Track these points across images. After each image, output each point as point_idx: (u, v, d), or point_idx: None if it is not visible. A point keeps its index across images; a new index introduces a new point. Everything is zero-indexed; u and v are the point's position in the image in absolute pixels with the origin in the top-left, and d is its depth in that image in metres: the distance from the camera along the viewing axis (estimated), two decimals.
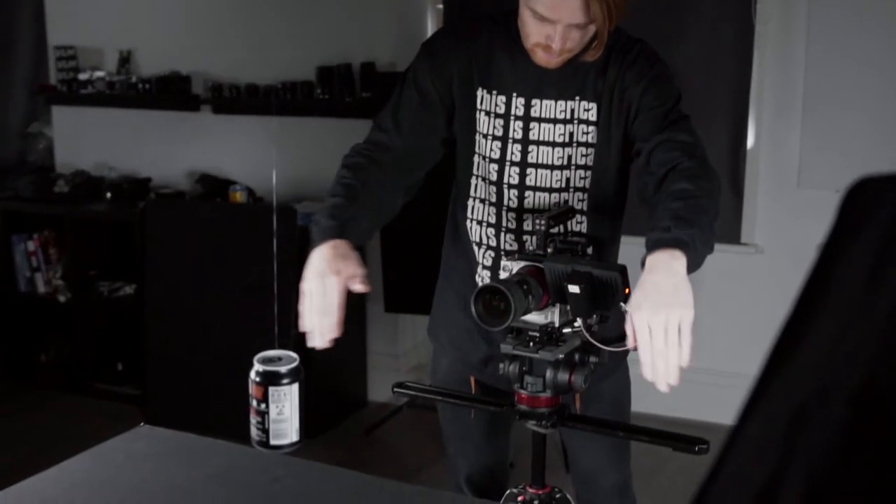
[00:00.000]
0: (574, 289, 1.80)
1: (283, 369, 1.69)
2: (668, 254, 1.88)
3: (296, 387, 1.70)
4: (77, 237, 4.84)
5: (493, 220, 2.29)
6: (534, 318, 1.90)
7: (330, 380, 4.35)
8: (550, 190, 2.23)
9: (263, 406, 1.68)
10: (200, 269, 4.20)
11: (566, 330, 1.93)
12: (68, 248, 4.90)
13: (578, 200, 2.24)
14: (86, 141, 5.21)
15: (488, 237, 2.31)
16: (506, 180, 2.25)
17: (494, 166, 2.25)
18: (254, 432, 1.69)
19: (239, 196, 4.49)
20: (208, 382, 4.17)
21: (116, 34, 5.07)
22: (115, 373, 4.89)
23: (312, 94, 4.51)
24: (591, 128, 2.20)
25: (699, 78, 4.07)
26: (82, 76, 5.09)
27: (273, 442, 1.68)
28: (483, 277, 2.33)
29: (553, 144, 2.21)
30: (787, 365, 0.73)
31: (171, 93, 4.86)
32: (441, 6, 4.43)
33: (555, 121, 2.20)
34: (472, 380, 2.51)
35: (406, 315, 4.50)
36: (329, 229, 2.10)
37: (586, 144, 2.21)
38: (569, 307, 1.87)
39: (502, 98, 2.23)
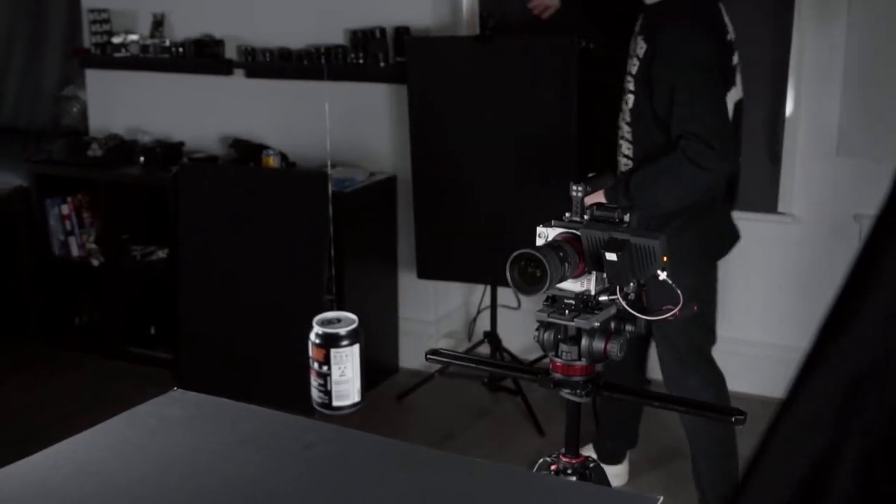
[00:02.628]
0: (611, 256, 1.77)
1: (343, 331, 1.69)
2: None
3: (356, 348, 1.71)
4: (110, 201, 4.85)
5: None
6: (569, 285, 1.88)
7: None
8: (621, 109, 3.08)
9: (325, 368, 1.68)
10: (233, 233, 4.20)
11: (602, 298, 1.90)
12: (101, 212, 4.91)
13: (625, 119, 3.05)
14: (119, 105, 5.21)
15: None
16: (624, 99, 3.09)
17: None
18: (315, 394, 1.70)
19: (272, 161, 4.48)
20: (240, 346, 4.18)
21: None
22: (148, 337, 4.92)
23: (346, 58, 4.48)
24: (637, 62, 2.96)
25: (738, 45, 4.00)
26: (116, 40, 5.08)
27: (336, 403, 1.69)
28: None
29: (626, 74, 3.05)
30: (839, 338, 0.69)
31: (204, 57, 4.84)
32: None
33: (630, 55, 3.02)
34: None
35: (439, 282, 4.48)
36: None
37: (631, 75, 2.99)
38: (605, 275, 1.84)
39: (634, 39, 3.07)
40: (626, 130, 3.08)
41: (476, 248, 4.09)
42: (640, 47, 2.93)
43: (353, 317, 1.71)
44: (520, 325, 4.41)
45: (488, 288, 4.37)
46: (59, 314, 5.13)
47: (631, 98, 3.01)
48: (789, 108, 4.00)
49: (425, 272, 4.27)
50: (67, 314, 5.15)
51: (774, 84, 3.99)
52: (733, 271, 4.21)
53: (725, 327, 4.16)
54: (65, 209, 5.05)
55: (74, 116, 5.55)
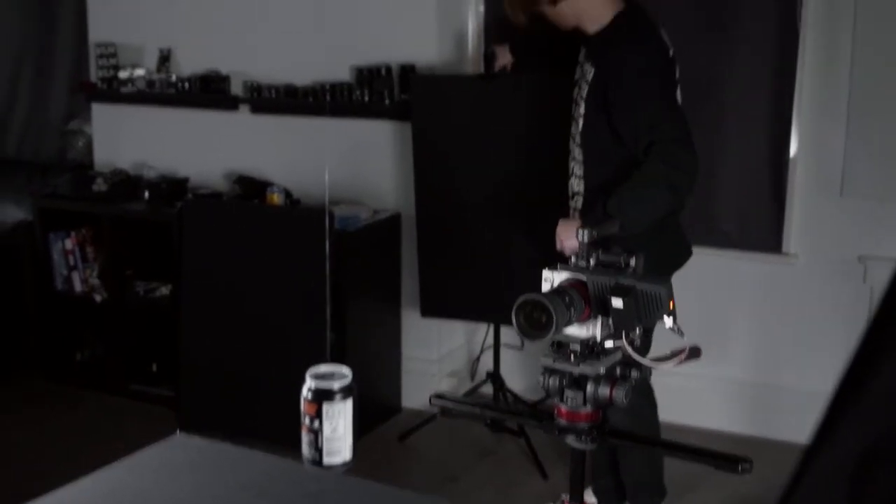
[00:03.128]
0: (617, 302, 1.77)
1: (337, 385, 1.65)
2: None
3: (349, 402, 1.66)
4: (114, 236, 4.85)
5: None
6: (575, 331, 1.87)
7: (364, 385, 4.32)
8: (571, 133, 3.21)
9: (317, 423, 1.64)
10: (237, 270, 4.19)
11: (607, 343, 1.90)
12: (105, 247, 4.91)
13: (576, 142, 3.19)
14: (125, 139, 5.22)
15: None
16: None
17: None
18: (306, 450, 1.66)
19: (276, 198, 4.48)
20: (242, 385, 4.16)
21: (157, 33, 5.07)
22: (150, 374, 4.90)
23: (351, 95, 4.49)
24: (586, 86, 3.10)
25: (743, 83, 4.02)
26: (122, 74, 5.10)
27: (326, 460, 1.65)
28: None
29: (575, 99, 3.20)
30: (856, 400, 0.68)
31: (210, 92, 4.86)
32: (482, 8, 4.40)
33: (579, 81, 3.18)
34: None
35: (442, 320, 4.47)
36: None
37: (581, 98, 3.13)
38: (611, 321, 1.83)
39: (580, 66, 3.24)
40: (577, 153, 3.20)
41: (480, 286, 4.08)
42: (588, 72, 3.08)
43: (347, 371, 1.69)
44: (523, 365, 4.40)
45: (491, 326, 4.36)
46: (61, 350, 5.12)
47: (581, 121, 3.14)
48: (793, 147, 4.00)
49: (429, 310, 4.26)
50: (69, 350, 5.14)
51: (778, 123, 3.99)
52: (737, 311, 4.21)
53: (724, 366, 4.16)
54: (68, 244, 5.05)
55: (80, 150, 5.56)
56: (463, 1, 4.43)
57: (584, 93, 3.11)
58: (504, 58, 3.81)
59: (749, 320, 4.21)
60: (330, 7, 4.58)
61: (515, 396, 4.39)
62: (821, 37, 3.91)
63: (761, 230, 4.08)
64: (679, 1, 4.03)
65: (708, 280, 4.15)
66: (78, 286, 5.06)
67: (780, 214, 4.05)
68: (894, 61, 3.84)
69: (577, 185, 3.24)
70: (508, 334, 4.27)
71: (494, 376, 4.31)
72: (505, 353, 4.34)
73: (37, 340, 5.10)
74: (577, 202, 3.23)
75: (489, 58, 3.86)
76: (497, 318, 4.17)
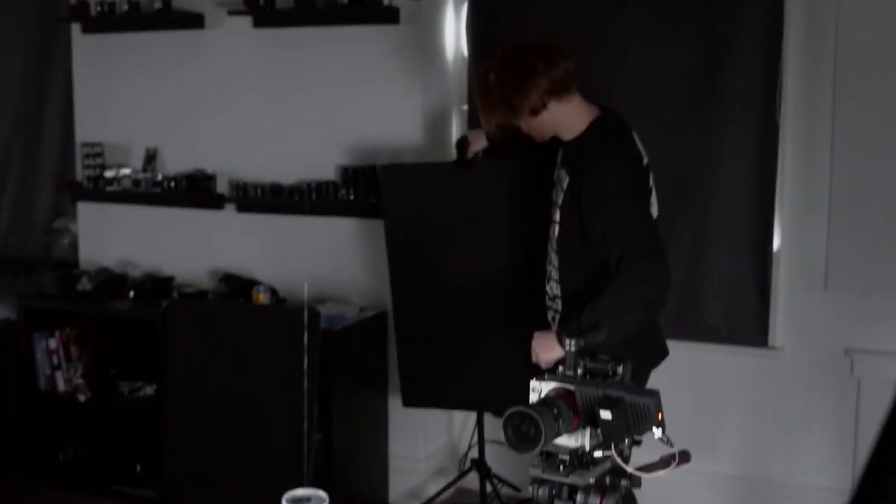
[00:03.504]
0: (606, 414, 1.76)
1: None
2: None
3: None
4: (99, 335, 4.82)
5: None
6: (564, 441, 1.86)
7: (351, 484, 4.28)
8: (549, 238, 3.19)
9: None
10: (223, 370, 4.17)
11: (597, 454, 1.89)
12: (90, 347, 4.88)
13: (552, 250, 3.17)
14: (110, 237, 5.23)
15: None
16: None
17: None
18: None
19: (262, 297, 4.48)
20: (227, 485, 4.11)
21: (143, 132, 5.11)
22: (134, 474, 4.83)
23: (337, 193, 4.52)
24: (561, 193, 3.08)
25: (725, 179, 4.05)
26: (108, 173, 5.12)
27: None
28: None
29: (552, 203, 3.17)
30: None
31: (196, 191, 4.88)
32: (466, 107, 4.45)
33: (554, 184, 3.16)
34: None
35: (428, 414, 4.44)
36: None
37: (555, 204, 3.13)
38: (600, 431, 1.83)
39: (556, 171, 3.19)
40: (553, 258, 3.16)
41: (461, 374, 4.05)
42: (564, 179, 3.05)
43: (324, 495, 1.67)
44: (509, 452, 4.36)
45: (474, 415, 4.32)
46: (44, 450, 5.05)
47: (557, 227, 3.11)
48: (776, 241, 4.03)
49: (410, 400, 4.21)
50: (52, 450, 5.07)
51: (761, 218, 4.02)
52: (725, 405, 4.20)
53: (714, 461, 4.13)
54: (52, 343, 5.01)
55: (65, 249, 5.56)
56: (448, 102, 4.48)
57: (560, 199, 3.07)
58: (478, 143, 3.73)
59: (737, 414, 4.19)
60: (316, 107, 4.63)
61: (504, 482, 4.35)
62: (800, 131, 3.96)
63: (747, 324, 4.09)
64: (659, 98, 4.09)
65: (695, 374, 4.15)
66: (62, 386, 5.01)
67: (766, 308, 4.06)
68: (873, 154, 3.89)
69: (555, 288, 3.18)
70: (494, 424, 4.24)
71: (479, 464, 4.26)
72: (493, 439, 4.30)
73: (19, 440, 5.03)
74: (558, 305, 3.17)
75: (462, 144, 3.78)
76: (480, 405, 4.15)
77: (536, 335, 2.98)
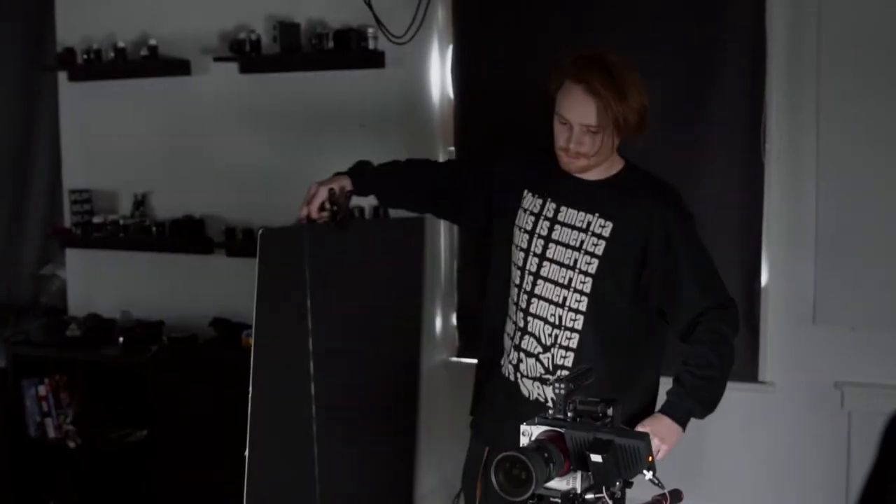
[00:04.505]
0: (596, 458, 1.77)
1: None
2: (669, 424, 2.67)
3: None
4: (88, 382, 4.82)
5: (515, 299, 2.79)
6: (555, 484, 1.87)
7: None
8: (556, 283, 2.71)
9: None
10: (212, 416, 4.16)
11: (588, 496, 1.89)
12: (79, 393, 4.87)
13: (576, 301, 2.68)
14: (99, 283, 5.23)
15: (513, 313, 2.80)
16: (527, 267, 2.75)
17: (521, 255, 2.76)
18: None
19: (251, 341, 4.46)
20: None
21: (131, 178, 5.13)
22: None
23: None
24: (602, 242, 2.67)
25: (711, 216, 4.06)
26: (96, 219, 5.14)
27: None
28: (503, 347, 2.85)
29: (567, 246, 2.70)
30: None
31: (185, 235, 4.89)
32: (452, 148, 4.48)
33: (573, 227, 2.69)
34: (486, 451, 2.83)
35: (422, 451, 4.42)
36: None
37: (592, 254, 2.67)
38: (591, 474, 1.83)
39: (539, 200, 2.75)
40: (565, 320, 2.71)
41: None
42: (600, 225, 2.67)
43: None
44: None
45: None
46: (34, 497, 5.03)
47: (590, 287, 2.67)
48: (764, 277, 4.05)
49: None
50: (42, 497, 5.04)
51: (749, 254, 4.04)
52: (713, 441, 4.20)
53: (706, 499, 4.12)
54: (42, 390, 5.00)
55: (53, 295, 5.55)
56: (434, 145, 4.50)
57: (600, 249, 2.66)
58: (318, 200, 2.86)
59: (728, 450, 4.19)
60: (303, 151, 4.66)
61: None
62: (786, 168, 3.98)
63: (737, 359, 4.07)
64: (647, 136, 4.11)
65: None
66: (51, 432, 5.00)
67: (755, 343, 4.07)
68: (858, 188, 3.92)
69: (561, 357, 2.71)
70: None
71: None
72: None
73: (9, 488, 5.00)
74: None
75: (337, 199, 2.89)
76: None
77: (651, 423, 2.65)
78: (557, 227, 2.71)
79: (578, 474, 1.85)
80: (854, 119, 3.88)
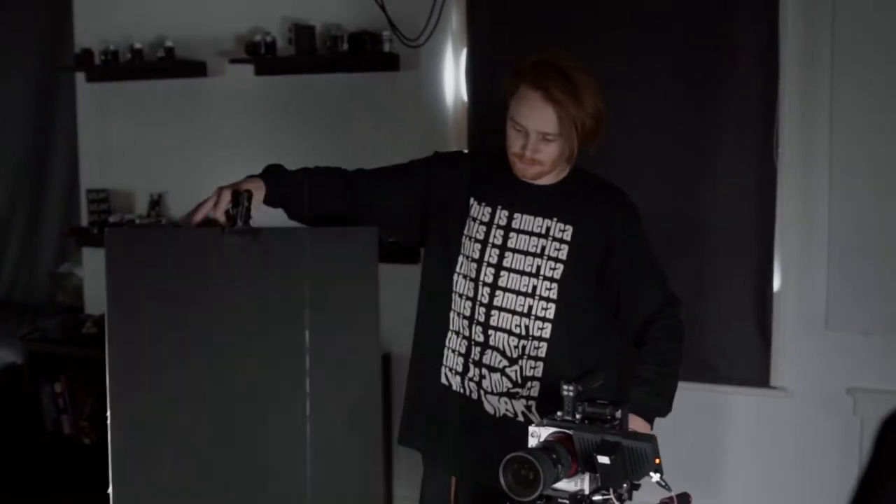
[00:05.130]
0: (604, 459, 1.78)
1: None
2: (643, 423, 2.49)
3: None
4: (104, 379, 4.83)
5: (467, 312, 2.64)
6: (563, 485, 1.88)
7: None
8: (518, 293, 2.59)
9: None
10: None
11: (596, 497, 1.91)
12: (95, 390, 4.90)
13: (542, 308, 2.58)
14: None
15: (463, 327, 2.65)
16: (482, 278, 2.61)
17: (474, 265, 2.62)
18: None
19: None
20: None
21: (147, 178, 5.18)
22: None
23: None
24: (564, 246, 2.59)
25: (723, 221, 4.08)
26: (113, 219, 5.18)
27: None
28: (452, 367, 2.67)
29: (526, 254, 2.60)
30: None
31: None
32: (466, 150, 4.49)
33: (531, 233, 2.60)
34: (454, 481, 2.72)
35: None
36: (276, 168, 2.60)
37: (556, 259, 2.59)
38: (598, 475, 1.85)
39: (489, 209, 2.63)
40: (533, 329, 2.59)
41: None
42: (560, 230, 2.59)
43: None
44: None
45: None
46: (49, 493, 5.06)
47: (556, 292, 2.58)
48: (776, 282, 4.05)
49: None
50: (57, 493, 5.08)
51: (761, 259, 4.04)
52: (724, 445, 4.20)
53: (714, 502, 4.13)
54: (58, 387, 5.05)
55: (70, 293, 5.60)
56: (448, 147, 4.51)
57: (563, 253, 2.58)
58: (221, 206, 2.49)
59: (738, 455, 4.19)
60: (317, 153, 4.67)
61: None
62: (798, 172, 3.99)
63: (749, 365, 4.10)
64: (658, 140, 4.13)
65: (696, 415, 4.15)
66: (67, 429, 5.05)
67: (767, 349, 4.07)
68: (871, 195, 3.92)
69: (530, 368, 2.60)
70: None
71: None
72: None
73: (25, 483, 5.04)
74: (531, 389, 2.60)
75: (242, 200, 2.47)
76: None
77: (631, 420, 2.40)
78: (513, 234, 2.60)
79: (586, 476, 1.87)
80: (868, 124, 3.88)
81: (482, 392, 2.63)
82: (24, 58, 5.74)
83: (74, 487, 5.06)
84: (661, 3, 4.10)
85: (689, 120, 4.08)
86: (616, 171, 4.14)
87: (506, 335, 2.59)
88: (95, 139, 5.36)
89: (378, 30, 4.41)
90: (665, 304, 2.69)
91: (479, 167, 2.71)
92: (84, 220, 5.35)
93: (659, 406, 2.61)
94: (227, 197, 2.44)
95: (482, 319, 2.60)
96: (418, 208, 2.69)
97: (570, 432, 1.87)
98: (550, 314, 2.58)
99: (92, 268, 5.38)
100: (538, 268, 2.59)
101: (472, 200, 2.65)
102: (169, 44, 4.92)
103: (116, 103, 5.26)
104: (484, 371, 2.62)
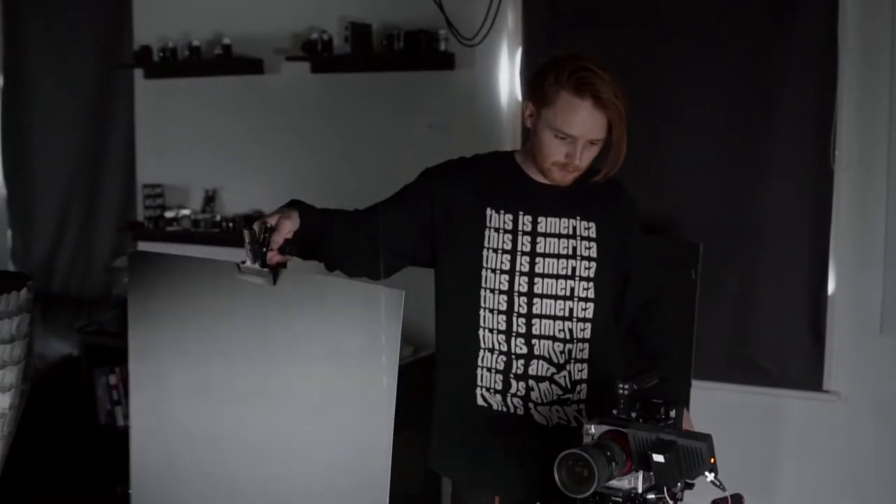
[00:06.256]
0: (659, 458, 1.79)
1: None
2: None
3: None
4: None
5: (503, 327, 2.52)
6: (617, 483, 1.89)
7: None
8: (557, 297, 2.52)
9: None
10: None
11: (649, 496, 1.91)
12: None
13: (582, 309, 2.53)
14: None
15: (499, 343, 2.53)
16: (516, 289, 2.51)
17: (505, 277, 2.51)
18: None
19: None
20: None
21: (203, 174, 5.24)
22: None
23: None
24: (593, 244, 2.55)
25: (778, 222, 4.06)
26: (168, 214, 5.25)
27: None
28: (490, 386, 2.54)
29: (558, 256, 2.53)
30: None
31: None
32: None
33: (559, 235, 2.54)
34: (497, 500, 2.60)
35: None
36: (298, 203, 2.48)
37: (588, 258, 2.54)
38: (652, 474, 1.85)
39: (510, 216, 2.53)
40: (576, 331, 2.53)
41: None
42: (585, 227, 2.55)
43: None
44: None
45: None
46: (103, 483, 5.13)
47: (592, 292, 2.54)
48: (831, 286, 4.02)
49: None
50: (110, 483, 5.15)
51: (816, 263, 4.02)
52: (778, 449, 4.18)
53: None
54: (112, 379, 5.12)
55: (125, 287, 5.66)
56: (503, 146, 4.52)
57: (593, 251, 2.55)
58: (285, 228, 2.31)
59: (791, 458, 4.17)
60: (371, 151, 4.72)
61: None
62: (855, 175, 3.96)
63: (801, 368, 4.08)
64: (715, 140, 4.12)
65: (749, 418, 4.14)
66: (121, 421, 5.11)
67: (820, 353, 4.05)
68: None
69: (578, 372, 2.55)
70: None
71: None
72: None
73: (79, 473, 5.12)
74: (580, 392, 2.57)
75: (258, 232, 2.23)
76: None
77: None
78: (541, 239, 2.53)
79: (640, 474, 1.88)
80: None
81: (530, 405, 2.53)
82: (83, 54, 5.82)
83: (126, 478, 5.12)
84: (719, 6, 4.09)
85: (746, 122, 4.06)
86: (672, 175, 4.17)
87: (550, 342, 2.51)
88: (152, 135, 5.44)
89: (434, 28, 4.43)
90: (656, 295, 2.74)
91: (481, 174, 2.62)
92: (140, 215, 5.42)
93: (682, 393, 2.79)
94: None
95: (522, 330, 2.51)
96: (426, 233, 2.59)
97: (625, 430, 1.87)
98: (590, 314, 2.53)
99: None
100: (573, 269, 2.53)
101: (488, 210, 2.54)
102: (226, 41, 4.97)
103: (173, 100, 5.33)
104: (530, 383, 2.52)
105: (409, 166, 4.60)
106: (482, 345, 2.53)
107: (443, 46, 4.45)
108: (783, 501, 4.15)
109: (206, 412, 2.17)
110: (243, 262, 2.07)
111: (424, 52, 4.48)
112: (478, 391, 2.55)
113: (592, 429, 1.92)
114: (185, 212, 5.21)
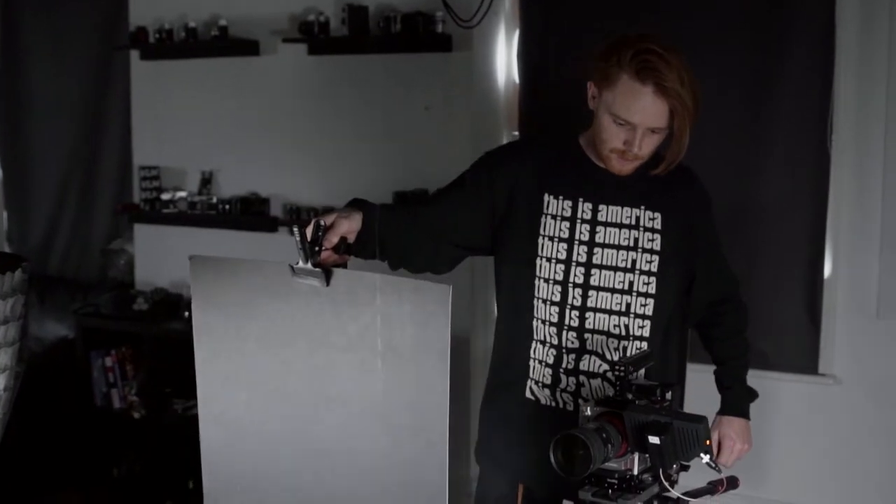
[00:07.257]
0: (654, 440, 1.79)
1: None
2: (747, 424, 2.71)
3: None
4: (154, 354, 4.92)
5: (555, 319, 2.41)
6: (613, 464, 1.89)
7: None
8: (614, 290, 2.40)
9: None
10: None
11: (645, 476, 1.91)
12: (145, 365, 4.98)
13: (641, 305, 2.40)
14: (166, 259, 5.33)
15: (550, 335, 2.41)
16: (571, 280, 2.39)
17: (560, 266, 2.40)
18: None
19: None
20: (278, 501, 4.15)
21: (199, 156, 5.23)
22: (187, 490, 4.91)
23: None
24: (657, 236, 2.42)
25: (776, 206, 4.06)
26: (165, 196, 5.24)
27: None
28: (539, 379, 2.44)
29: (618, 248, 2.40)
30: None
31: (250, 214, 4.96)
32: (517, 132, 4.49)
33: (620, 225, 2.41)
34: (521, 488, 2.51)
35: None
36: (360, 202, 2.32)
37: (650, 251, 2.42)
38: (648, 456, 1.85)
39: (569, 203, 2.42)
40: (634, 328, 2.43)
41: None
42: (650, 218, 2.44)
43: None
44: None
45: None
46: (99, 465, 5.15)
47: (655, 285, 2.43)
48: (827, 269, 4.02)
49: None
50: (107, 465, 5.17)
51: (812, 246, 4.02)
52: (772, 431, 4.19)
53: (763, 489, 4.12)
54: (108, 361, 5.13)
55: (121, 269, 5.66)
56: (499, 128, 4.52)
57: (656, 244, 2.42)
58: (341, 228, 2.18)
59: (787, 441, 4.18)
60: (368, 133, 4.71)
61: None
62: (852, 158, 3.95)
63: (798, 351, 4.08)
64: (711, 124, 4.11)
65: None
66: (117, 403, 5.13)
67: (817, 336, 4.05)
68: None
69: (615, 349, 2.46)
70: None
71: None
72: None
73: (75, 455, 5.14)
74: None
75: (310, 233, 2.08)
76: None
77: (727, 427, 2.68)
78: (600, 228, 2.41)
79: (636, 455, 1.88)
80: None
81: (581, 401, 2.32)
82: (80, 36, 5.80)
83: (123, 460, 5.14)
84: None
85: (744, 105, 4.05)
86: None
87: (604, 338, 2.39)
88: (148, 116, 5.42)
89: (431, 11, 4.42)
90: (728, 294, 2.70)
91: (541, 157, 2.48)
92: (136, 197, 5.41)
93: (750, 399, 2.77)
94: (342, 226, 2.15)
95: (575, 324, 2.39)
96: (487, 222, 2.47)
97: (620, 412, 1.87)
98: (649, 310, 2.40)
99: (143, 244, 5.45)
100: (633, 262, 2.40)
101: (546, 196, 2.42)
102: (223, 22, 4.95)
103: (170, 81, 5.31)
104: (582, 378, 2.40)
105: (406, 148, 4.64)
106: (534, 336, 2.43)
107: (440, 28, 4.44)
108: (778, 484, 4.17)
109: (275, 417, 2.15)
110: (297, 263, 2.01)
111: (421, 34, 4.46)
112: (528, 383, 2.45)
113: (588, 410, 1.92)
114: (182, 194, 5.20)
